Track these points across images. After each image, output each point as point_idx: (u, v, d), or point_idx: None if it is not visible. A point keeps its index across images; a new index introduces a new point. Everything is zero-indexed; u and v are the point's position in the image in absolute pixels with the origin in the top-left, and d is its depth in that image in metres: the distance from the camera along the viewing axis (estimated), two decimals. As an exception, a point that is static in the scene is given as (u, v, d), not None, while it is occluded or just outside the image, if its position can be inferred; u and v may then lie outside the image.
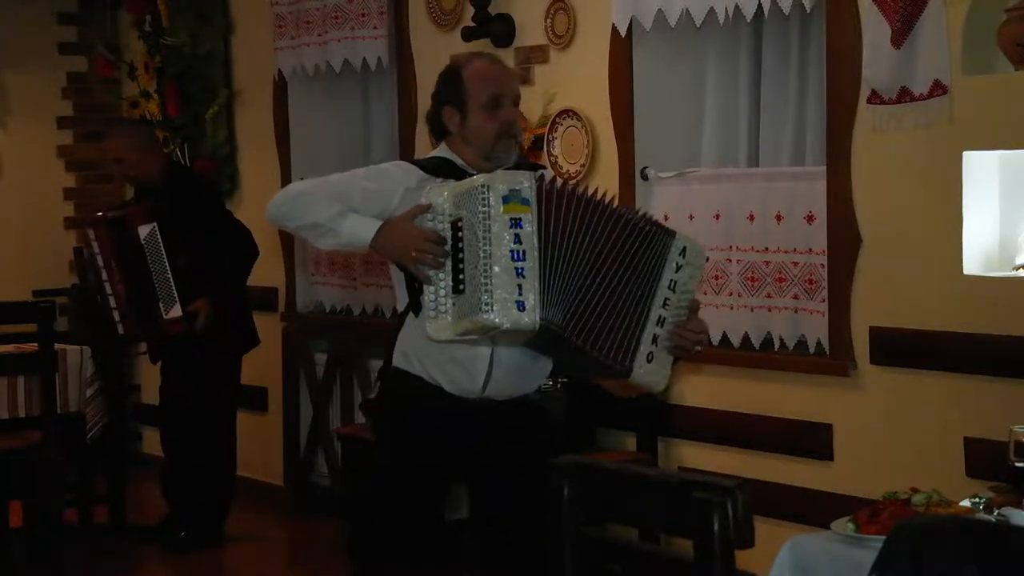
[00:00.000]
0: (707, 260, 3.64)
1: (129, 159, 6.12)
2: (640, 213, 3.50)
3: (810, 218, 4.77)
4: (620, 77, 5.27)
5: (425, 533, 3.72)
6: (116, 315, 6.09)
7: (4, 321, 5.98)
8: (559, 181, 3.56)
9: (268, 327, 6.58)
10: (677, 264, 3.42)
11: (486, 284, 3.23)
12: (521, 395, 3.68)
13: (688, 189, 5.12)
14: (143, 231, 5.94)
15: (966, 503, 3.20)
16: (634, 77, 5.24)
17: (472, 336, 3.33)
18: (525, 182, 3.29)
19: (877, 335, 4.55)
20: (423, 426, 3.66)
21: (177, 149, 7.32)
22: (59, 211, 8.06)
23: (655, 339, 3.40)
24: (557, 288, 3.28)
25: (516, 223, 3.25)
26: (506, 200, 3.26)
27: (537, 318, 3.24)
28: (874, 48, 4.42)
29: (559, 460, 2.62)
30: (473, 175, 3.46)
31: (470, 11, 5.77)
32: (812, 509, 4.60)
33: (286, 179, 6.80)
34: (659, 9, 5.02)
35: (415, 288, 3.48)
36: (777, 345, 4.93)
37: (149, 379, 7.69)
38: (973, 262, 4.33)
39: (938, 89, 4.28)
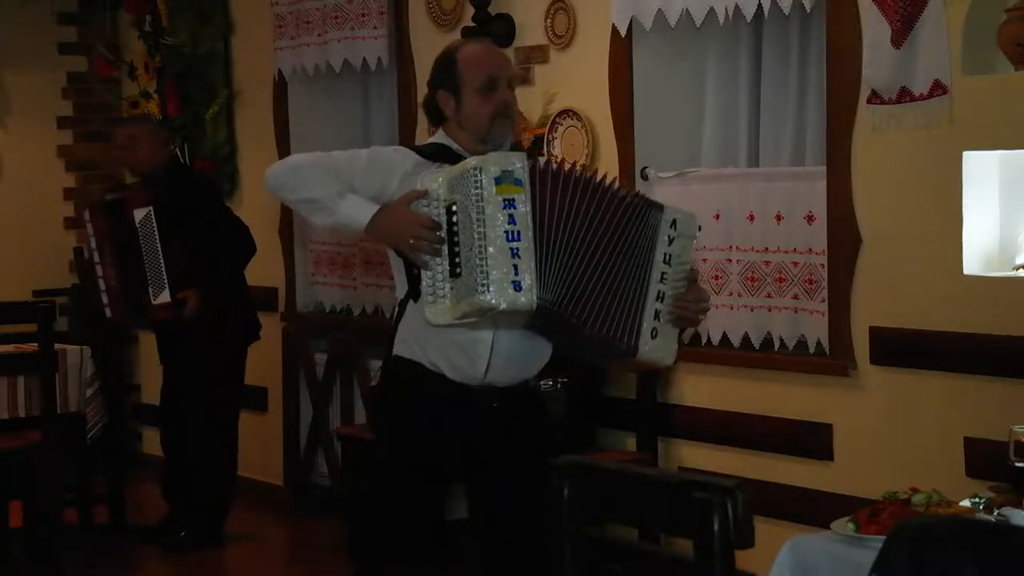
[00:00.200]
0: (700, 229, 3.61)
1: (141, 146, 6.15)
2: (629, 190, 3.49)
3: (810, 218, 4.77)
4: (620, 77, 5.27)
5: (425, 533, 3.71)
6: (104, 298, 6.10)
7: (4, 321, 5.98)
8: (553, 162, 3.55)
9: (268, 327, 6.57)
10: (669, 237, 3.42)
11: (482, 266, 3.23)
12: (522, 381, 3.68)
13: (688, 189, 5.12)
14: (139, 214, 5.97)
15: (966, 503, 3.20)
16: (634, 77, 5.24)
17: (471, 319, 3.32)
18: (517, 163, 3.28)
19: (877, 335, 4.55)
20: (423, 420, 3.65)
21: (177, 149, 7.31)
22: (59, 211, 8.05)
23: (657, 314, 3.41)
24: (553, 267, 3.28)
25: (510, 204, 3.25)
26: (499, 181, 3.25)
27: (534, 297, 3.24)
28: (874, 48, 4.42)
29: (559, 460, 2.62)
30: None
31: (470, 11, 5.78)
32: (812, 509, 4.60)
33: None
34: (659, 9, 5.02)
35: (414, 274, 3.47)
36: (777, 345, 4.93)
37: (149, 379, 7.69)
38: (973, 262, 4.33)
39: (938, 89, 4.28)
